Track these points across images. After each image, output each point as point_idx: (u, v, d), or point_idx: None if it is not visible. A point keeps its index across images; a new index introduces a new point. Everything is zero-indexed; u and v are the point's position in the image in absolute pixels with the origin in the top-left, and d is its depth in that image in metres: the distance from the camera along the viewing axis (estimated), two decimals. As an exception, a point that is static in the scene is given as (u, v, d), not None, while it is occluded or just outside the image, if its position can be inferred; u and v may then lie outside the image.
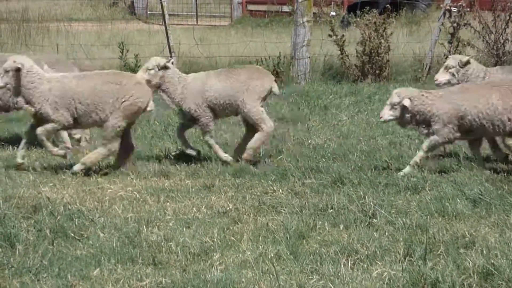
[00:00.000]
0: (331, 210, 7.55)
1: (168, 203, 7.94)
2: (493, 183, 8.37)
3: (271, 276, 6.00)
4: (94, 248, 6.60)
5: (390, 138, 10.74)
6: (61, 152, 9.32)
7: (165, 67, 9.56)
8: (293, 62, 15.85)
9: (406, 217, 7.27)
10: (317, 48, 16.58)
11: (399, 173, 8.78)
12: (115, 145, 9.10)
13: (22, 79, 8.98)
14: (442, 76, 9.87)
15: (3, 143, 10.53)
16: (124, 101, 9.05)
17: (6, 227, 6.94)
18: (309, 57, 15.87)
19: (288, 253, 6.43)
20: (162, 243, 6.68)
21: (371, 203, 7.60)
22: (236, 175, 8.91)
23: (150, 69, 9.54)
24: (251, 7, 29.60)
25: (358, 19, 16.61)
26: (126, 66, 15.44)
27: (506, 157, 9.29)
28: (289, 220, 7.24)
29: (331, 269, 6.10)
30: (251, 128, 9.63)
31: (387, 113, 9.03)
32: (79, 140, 10.27)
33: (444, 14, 16.28)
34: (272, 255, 6.41)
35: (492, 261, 6.11)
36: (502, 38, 16.20)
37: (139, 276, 6.06)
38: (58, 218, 7.28)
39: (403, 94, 9.00)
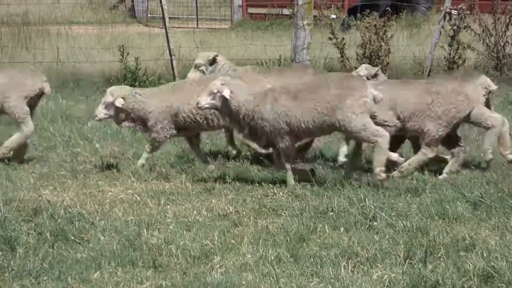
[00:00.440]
0: (332, 213, 7.55)
1: (168, 206, 7.95)
2: (494, 186, 8.38)
3: (271, 279, 6.00)
4: (95, 251, 6.60)
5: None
6: None
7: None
8: (294, 65, 15.85)
9: (406, 220, 7.27)
10: (318, 51, 16.59)
11: None
12: None
13: None
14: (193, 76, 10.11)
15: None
16: None
17: (7, 230, 6.94)
18: (310, 60, 15.86)
19: (289, 256, 6.43)
20: (163, 246, 6.68)
21: (372, 206, 7.60)
22: (237, 177, 8.91)
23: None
24: (251, 10, 29.60)
25: (358, 22, 16.62)
26: (127, 69, 15.45)
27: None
28: (290, 223, 7.23)
29: (331, 272, 6.10)
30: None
31: (101, 112, 9.26)
32: None
33: (444, 17, 16.27)
34: (273, 258, 6.41)
35: (492, 263, 6.11)
36: (502, 40, 16.23)
37: (139, 279, 6.06)
38: (59, 221, 7.28)
39: (116, 94, 9.22)
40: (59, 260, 6.41)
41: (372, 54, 15.68)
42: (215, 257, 6.48)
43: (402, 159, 8.68)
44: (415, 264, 6.24)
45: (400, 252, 6.46)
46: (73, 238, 6.92)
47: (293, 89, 8.61)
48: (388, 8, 16.88)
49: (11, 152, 9.69)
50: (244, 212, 7.67)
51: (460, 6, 15.76)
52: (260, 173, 9.13)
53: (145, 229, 7.12)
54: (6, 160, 9.60)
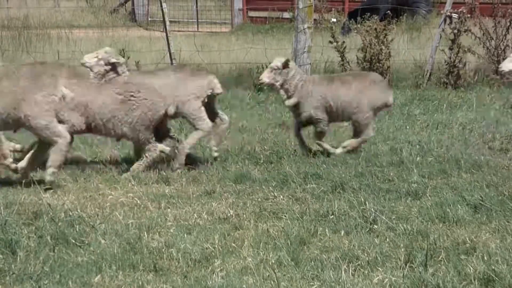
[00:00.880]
0: (332, 216, 7.56)
1: (169, 209, 7.95)
2: (494, 189, 8.38)
3: (272, 282, 6.01)
4: (95, 255, 6.60)
5: (390, 144, 10.73)
6: None
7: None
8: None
9: (407, 223, 7.28)
10: (318, 54, 16.60)
11: None
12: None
13: None
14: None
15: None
16: None
17: (7, 233, 6.94)
18: (310, 64, 15.86)
19: (289, 259, 6.43)
20: (163, 250, 6.68)
21: (372, 209, 7.60)
22: (237, 181, 8.92)
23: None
24: (252, 13, 29.62)
25: (358, 25, 16.62)
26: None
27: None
28: (290, 226, 7.24)
29: (332, 275, 6.10)
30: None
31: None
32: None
33: (445, 20, 16.28)
34: (273, 261, 6.41)
35: (493, 267, 6.11)
36: (503, 44, 16.23)
37: (140, 282, 6.06)
38: (59, 224, 7.28)
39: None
40: (59, 263, 6.41)
41: (373, 57, 15.67)
42: (215, 260, 6.48)
43: None
44: (415, 267, 6.24)
45: (401, 256, 6.46)
46: (73, 241, 6.92)
47: None
48: (389, 11, 16.90)
49: None
50: (244, 216, 7.67)
51: (460, 10, 15.76)
52: (260, 176, 9.13)
53: (145, 233, 7.12)
54: None
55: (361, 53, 15.82)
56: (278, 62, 10.23)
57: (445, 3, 17.38)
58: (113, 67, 9.22)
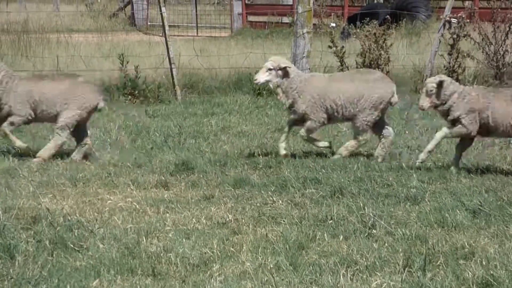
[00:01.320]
0: (331, 221, 7.56)
1: (167, 214, 7.94)
2: (493, 194, 8.38)
3: (270, 287, 6.01)
4: (94, 259, 6.60)
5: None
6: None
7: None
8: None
9: (405, 228, 7.28)
10: (317, 59, 16.60)
11: None
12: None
13: None
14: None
15: (2, 154, 10.54)
16: None
17: (6, 238, 6.94)
18: (309, 69, 15.85)
19: (288, 264, 6.43)
20: (162, 254, 6.68)
21: (371, 214, 7.60)
22: (236, 185, 8.92)
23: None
24: (251, 18, 29.65)
25: (358, 30, 16.64)
26: (126, 78, 15.46)
27: None
28: (289, 231, 7.23)
29: (330, 280, 6.10)
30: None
31: None
32: None
33: (444, 25, 16.29)
34: (272, 266, 6.41)
35: (492, 272, 6.11)
36: (502, 49, 16.23)
37: (138, 287, 6.06)
38: (58, 229, 7.28)
39: None
40: (58, 268, 6.41)
41: (372, 62, 15.70)
42: (214, 265, 6.47)
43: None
44: (414, 272, 6.24)
45: (399, 260, 6.46)
46: (72, 246, 6.91)
47: None
48: (388, 16, 16.93)
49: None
50: (243, 220, 7.67)
51: (459, 15, 15.78)
52: (259, 180, 9.13)
53: (144, 237, 7.12)
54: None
55: (360, 58, 15.84)
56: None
57: (444, 8, 17.40)
58: None
